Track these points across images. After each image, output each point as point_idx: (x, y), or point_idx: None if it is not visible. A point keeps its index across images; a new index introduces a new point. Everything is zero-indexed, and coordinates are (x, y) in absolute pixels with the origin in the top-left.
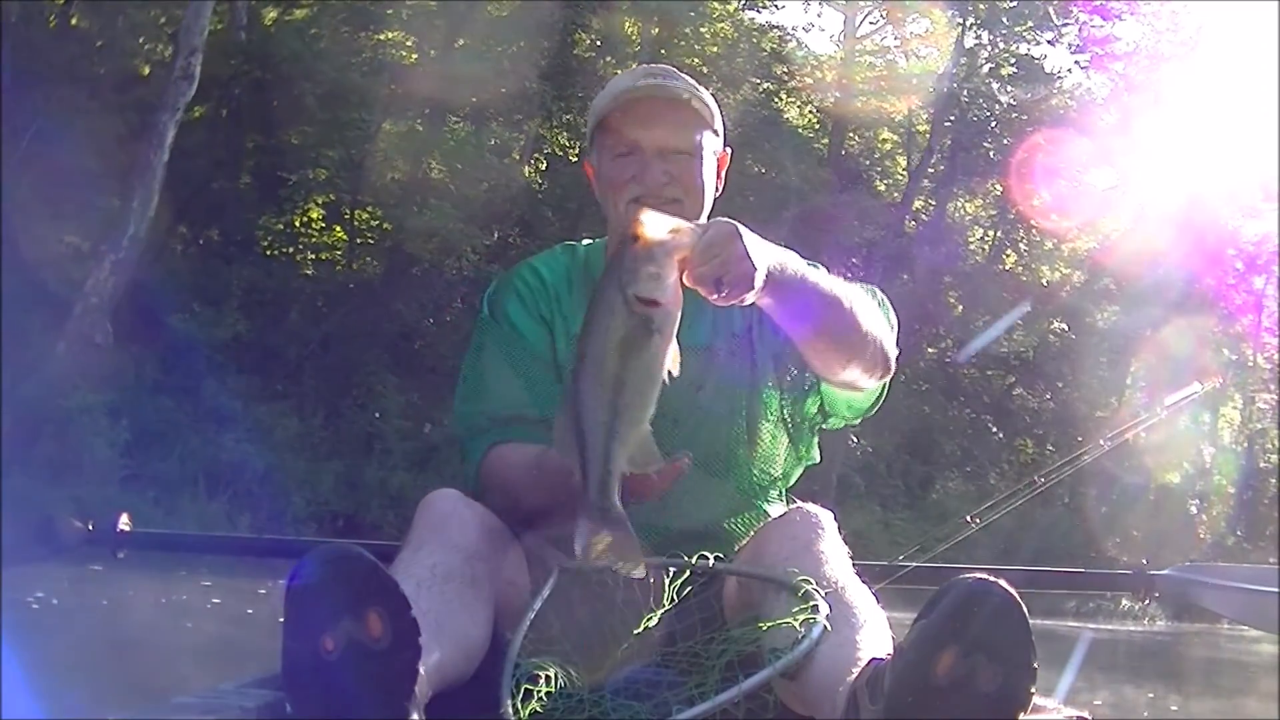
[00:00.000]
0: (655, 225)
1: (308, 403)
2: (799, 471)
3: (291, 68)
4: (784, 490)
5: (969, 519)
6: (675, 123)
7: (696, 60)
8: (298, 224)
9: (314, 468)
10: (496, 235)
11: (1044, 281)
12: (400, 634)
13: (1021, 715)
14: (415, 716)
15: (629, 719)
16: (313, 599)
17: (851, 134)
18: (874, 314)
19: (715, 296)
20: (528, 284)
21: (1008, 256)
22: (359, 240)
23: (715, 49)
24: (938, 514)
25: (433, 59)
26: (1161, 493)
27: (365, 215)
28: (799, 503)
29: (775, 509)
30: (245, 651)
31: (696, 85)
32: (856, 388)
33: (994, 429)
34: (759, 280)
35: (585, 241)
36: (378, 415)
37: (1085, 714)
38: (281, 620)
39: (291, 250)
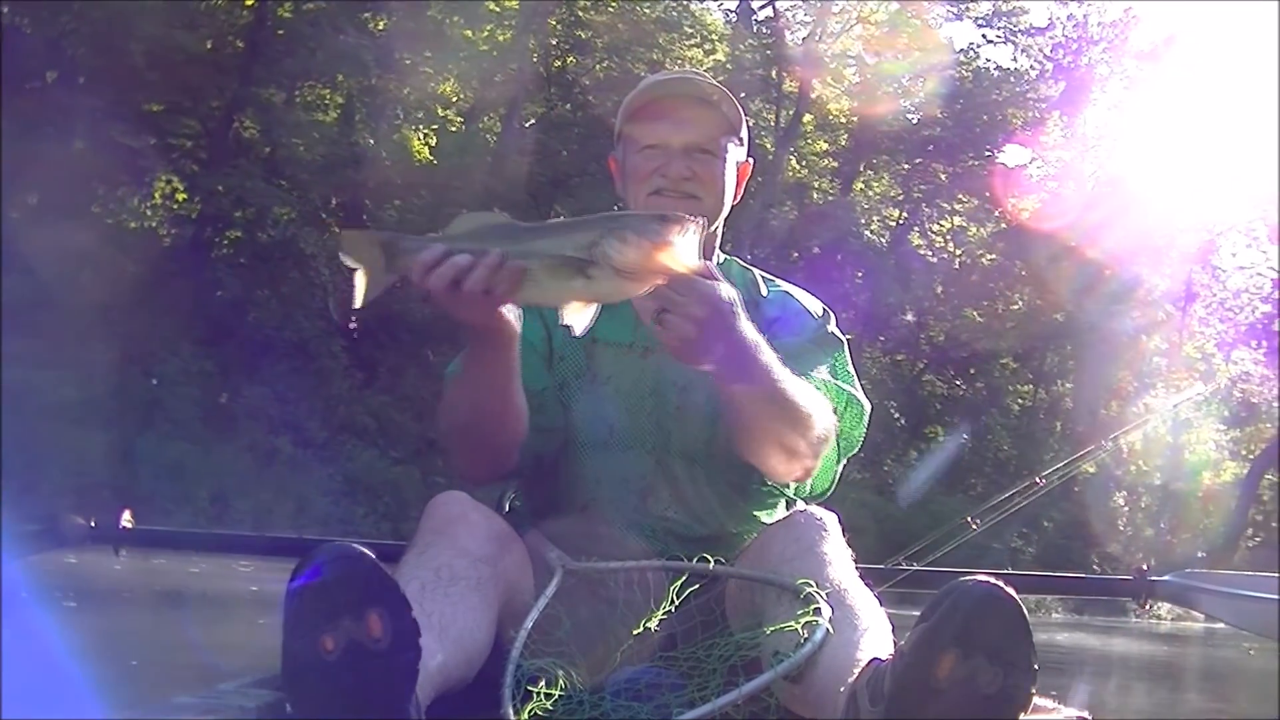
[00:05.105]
0: (690, 241)
1: (98, 370)
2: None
3: (115, 23)
4: (786, 492)
5: (969, 521)
6: (702, 122)
7: (587, 33)
8: (158, 195)
9: (82, 436)
10: (334, 202)
11: (956, 264)
12: (400, 635)
13: (1022, 716)
14: (416, 717)
15: None
16: (313, 599)
17: (745, 107)
18: (811, 425)
19: (656, 327)
20: None
21: (914, 237)
22: (210, 211)
23: (601, 18)
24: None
25: (288, 23)
26: (1084, 483)
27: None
28: (801, 504)
29: (778, 511)
30: (245, 651)
31: (727, 91)
32: (766, 470)
33: (898, 415)
34: (695, 359)
35: None
36: (155, 382)
37: (1085, 714)
38: (282, 620)
39: (138, 222)
